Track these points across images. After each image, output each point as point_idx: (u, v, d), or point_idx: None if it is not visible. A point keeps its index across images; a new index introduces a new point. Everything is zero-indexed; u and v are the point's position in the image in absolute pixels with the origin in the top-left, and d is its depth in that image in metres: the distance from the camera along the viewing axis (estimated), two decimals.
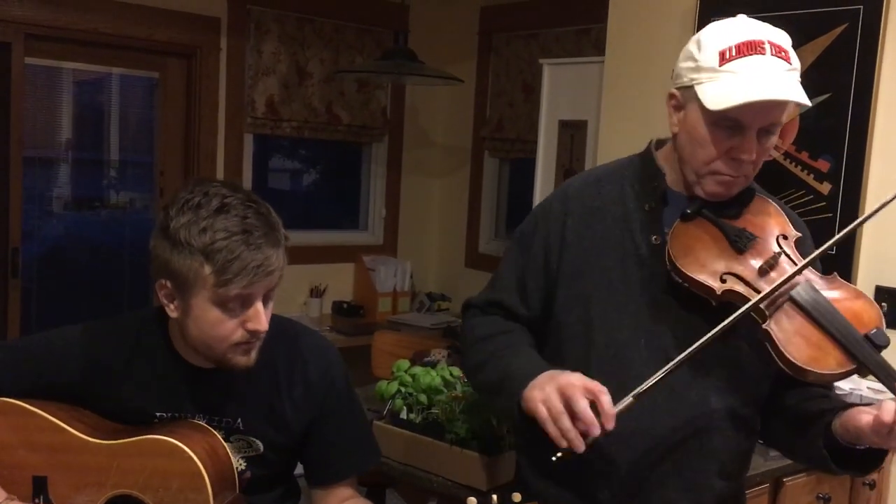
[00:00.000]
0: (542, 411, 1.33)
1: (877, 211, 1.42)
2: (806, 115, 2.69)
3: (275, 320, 1.56)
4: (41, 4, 3.65)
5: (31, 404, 1.52)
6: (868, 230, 2.60)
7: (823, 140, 2.66)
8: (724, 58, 1.37)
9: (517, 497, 1.19)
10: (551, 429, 1.32)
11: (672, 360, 1.36)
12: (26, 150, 3.77)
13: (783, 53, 1.38)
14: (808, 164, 2.69)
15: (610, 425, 1.29)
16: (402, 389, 2.08)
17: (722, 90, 1.36)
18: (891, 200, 1.40)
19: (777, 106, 1.37)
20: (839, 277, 1.43)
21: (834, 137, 2.63)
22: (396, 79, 4.35)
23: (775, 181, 2.74)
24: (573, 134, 3.64)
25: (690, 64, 1.42)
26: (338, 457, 1.62)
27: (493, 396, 1.53)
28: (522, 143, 4.47)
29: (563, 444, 1.30)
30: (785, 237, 1.46)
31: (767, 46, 1.37)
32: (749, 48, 1.37)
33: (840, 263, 2.61)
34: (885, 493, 2.57)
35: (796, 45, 2.66)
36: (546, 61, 3.74)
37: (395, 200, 4.92)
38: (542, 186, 3.64)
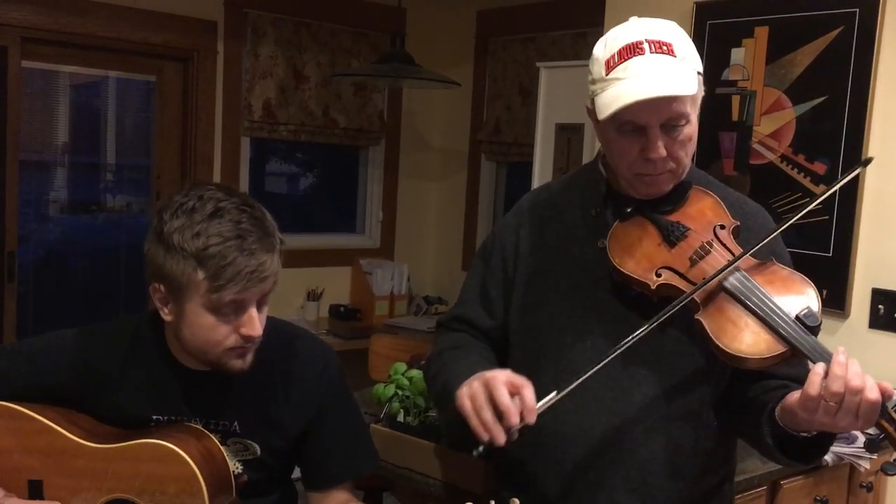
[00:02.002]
0: (467, 405, 1.37)
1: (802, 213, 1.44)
2: (802, 119, 2.70)
3: (272, 323, 1.56)
4: (38, 8, 3.65)
5: (26, 408, 1.52)
6: (865, 233, 2.60)
7: (820, 143, 2.66)
8: (609, 66, 1.40)
9: (515, 502, 1.19)
10: (474, 421, 1.35)
11: (618, 362, 1.40)
12: (22, 153, 3.77)
13: (664, 48, 1.39)
14: (805, 167, 2.69)
15: (530, 419, 1.32)
16: (399, 392, 2.07)
17: (608, 97, 1.39)
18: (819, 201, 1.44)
19: (665, 101, 1.38)
20: (776, 262, 1.44)
21: (830, 140, 2.63)
22: (393, 82, 4.35)
23: (772, 184, 2.75)
24: (570, 137, 3.64)
25: (589, 77, 1.47)
26: (335, 460, 1.62)
27: (441, 407, 1.57)
28: (519, 147, 4.47)
29: (485, 437, 1.33)
30: (722, 227, 1.48)
31: (646, 45, 1.39)
32: (629, 51, 1.39)
33: (837, 266, 2.62)
34: (882, 495, 2.57)
35: (792, 48, 2.70)
36: (543, 65, 3.75)
37: (391, 204, 4.92)
38: None
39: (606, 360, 1.36)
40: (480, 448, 1.34)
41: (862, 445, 2.35)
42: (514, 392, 1.33)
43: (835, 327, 2.62)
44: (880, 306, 2.58)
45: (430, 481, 1.95)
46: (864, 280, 2.61)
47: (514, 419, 1.31)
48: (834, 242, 2.64)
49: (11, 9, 3.60)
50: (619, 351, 1.36)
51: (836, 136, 2.62)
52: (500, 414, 1.32)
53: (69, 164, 4.14)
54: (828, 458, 2.28)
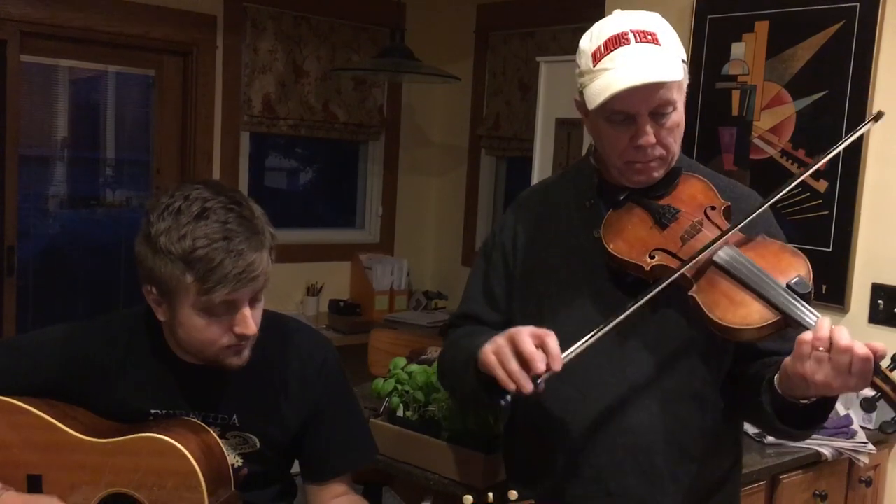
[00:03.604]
0: (492, 359, 1.37)
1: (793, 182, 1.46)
2: (803, 113, 2.70)
3: (270, 316, 1.56)
4: (37, 2, 3.64)
5: (25, 402, 1.52)
6: (865, 228, 2.60)
7: (820, 138, 2.66)
8: (595, 58, 1.44)
9: (513, 495, 1.19)
10: (499, 372, 1.35)
11: (619, 345, 1.45)
12: (22, 148, 3.77)
13: (649, 37, 1.43)
14: (805, 162, 2.69)
15: (556, 366, 1.32)
16: (399, 387, 2.08)
17: (597, 88, 1.42)
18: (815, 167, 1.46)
19: (652, 88, 1.40)
20: (767, 237, 1.46)
21: (830, 135, 2.63)
22: (393, 77, 4.34)
23: (772, 178, 2.74)
24: (570, 132, 3.64)
25: (577, 70, 1.49)
26: (333, 453, 1.62)
27: (459, 379, 1.56)
28: (519, 142, 4.47)
29: (511, 386, 1.33)
30: (713, 208, 1.50)
31: (631, 36, 1.42)
32: (614, 42, 1.42)
33: (837, 261, 2.62)
34: (881, 490, 2.58)
35: (793, 43, 2.69)
36: (543, 59, 3.74)
37: (391, 199, 4.92)
38: None
39: (617, 321, 1.36)
40: (507, 397, 1.35)
41: (863, 440, 2.36)
42: (539, 343, 1.34)
43: (834, 322, 2.60)
44: (880, 301, 2.58)
45: (430, 476, 1.96)
46: (863, 275, 2.61)
47: (541, 365, 1.31)
48: (834, 237, 2.64)
49: (10, 3, 3.59)
50: (622, 316, 1.37)
51: (837, 131, 2.62)
52: (524, 363, 1.33)
53: (69, 159, 4.13)
54: (827, 452, 2.28)
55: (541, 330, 1.36)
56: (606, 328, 1.36)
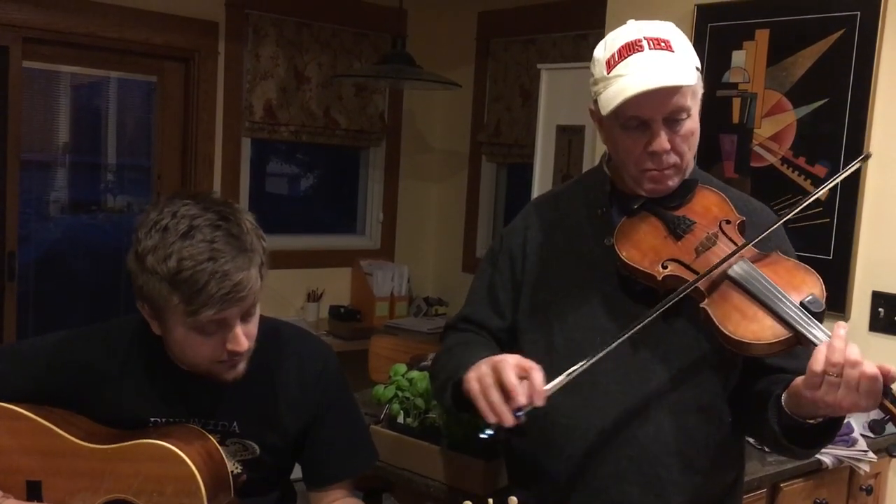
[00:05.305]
0: (475, 387, 1.36)
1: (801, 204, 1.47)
2: (803, 121, 2.70)
3: (271, 323, 1.56)
4: (39, 8, 3.65)
5: (24, 408, 1.52)
6: (865, 236, 2.60)
7: (821, 145, 2.67)
8: (609, 65, 1.45)
9: (514, 501, 1.19)
10: (481, 403, 1.35)
11: (629, 355, 1.44)
12: (24, 153, 3.77)
13: (663, 44, 1.44)
14: (806, 170, 2.69)
15: (538, 401, 1.31)
16: (399, 394, 2.07)
17: (611, 93, 1.43)
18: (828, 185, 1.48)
19: (666, 93, 1.41)
20: (781, 254, 1.46)
21: (831, 143, 2.63)
22: (394, 83, 4.35)
23: (773, 186, 2.74)
24: (571, 139, 3.64)
25: (591, 79, 1.50)
26: (334, 459, 1.62)
27: (441, 393, 1.57)
28: (520, 148, 4.47)
29: (493, 419, 1.32)
30: (728, 222, 1.50)
31: (645, 42, 1.43)
32: (628, 49, 1.43)
33: (837, 269, 2.62)
34: (882, 498, 2.57)
35: (793, 51, 2.70)
36: (544, 66, 3.75)
37: (392, 205, 4.93)
38: (540, 192, 3.64)
39: (616, 344, 1.37)
40: (489, 431, 1.33)
41: (868, 431, 2.34)
42: (523, 375, 1.33)
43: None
44: (880, 309, 2.58)
45: (430, 482, 1.96)
46: (864, 283, 2.61)
47: (522, 399, 1.30)
48: (834, 245, 2.64)
49: (12, 9, 3.60)
50: (627, 335, 1.37)
51: (837, 139, 2.62)
52: (507, 395, 1.32)
53: (70, 164, 4.14)
54: (827, 460, 2.28)
55: (526, 361, 1.35)
56: (596, 357, 1.36)
